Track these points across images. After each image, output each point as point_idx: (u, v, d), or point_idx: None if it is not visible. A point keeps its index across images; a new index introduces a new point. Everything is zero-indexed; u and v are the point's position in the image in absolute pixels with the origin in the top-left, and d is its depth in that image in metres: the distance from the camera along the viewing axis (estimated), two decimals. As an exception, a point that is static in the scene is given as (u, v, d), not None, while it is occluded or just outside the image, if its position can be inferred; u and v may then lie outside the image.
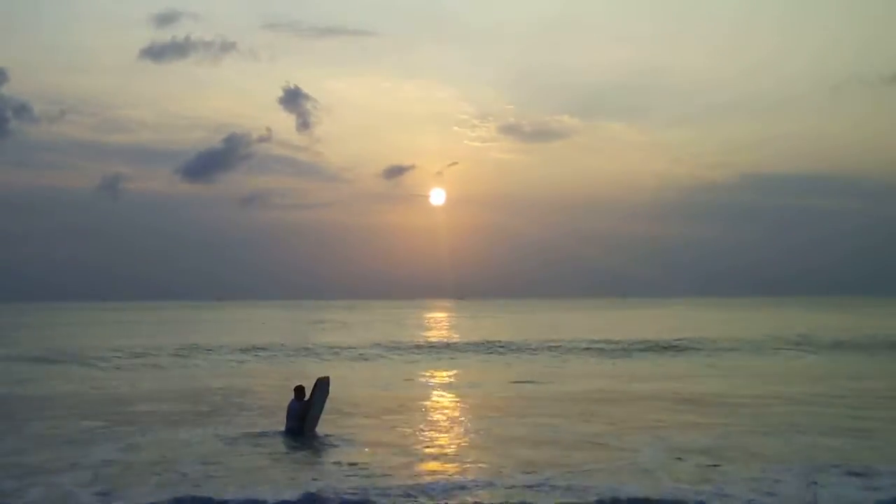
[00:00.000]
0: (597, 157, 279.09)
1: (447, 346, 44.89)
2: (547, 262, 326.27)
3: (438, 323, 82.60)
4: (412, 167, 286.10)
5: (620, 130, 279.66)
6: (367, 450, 15.80)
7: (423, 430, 18.27)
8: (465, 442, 16.84)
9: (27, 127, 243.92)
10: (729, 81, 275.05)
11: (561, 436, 17.12)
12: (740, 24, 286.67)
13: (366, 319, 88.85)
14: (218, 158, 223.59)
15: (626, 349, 42.68)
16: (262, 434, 17.56)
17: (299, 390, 17.94)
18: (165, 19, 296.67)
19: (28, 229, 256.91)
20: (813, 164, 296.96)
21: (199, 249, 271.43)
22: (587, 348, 43.26)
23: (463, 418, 20.36)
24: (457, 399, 24.28)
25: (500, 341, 46.93)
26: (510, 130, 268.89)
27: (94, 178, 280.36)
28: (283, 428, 17.64)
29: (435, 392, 26.58)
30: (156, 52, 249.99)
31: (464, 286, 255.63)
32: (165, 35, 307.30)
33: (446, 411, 21.67)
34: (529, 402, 23.07)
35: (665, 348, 43.18)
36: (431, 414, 21.04)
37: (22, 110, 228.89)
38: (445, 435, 17.65)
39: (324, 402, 18.04)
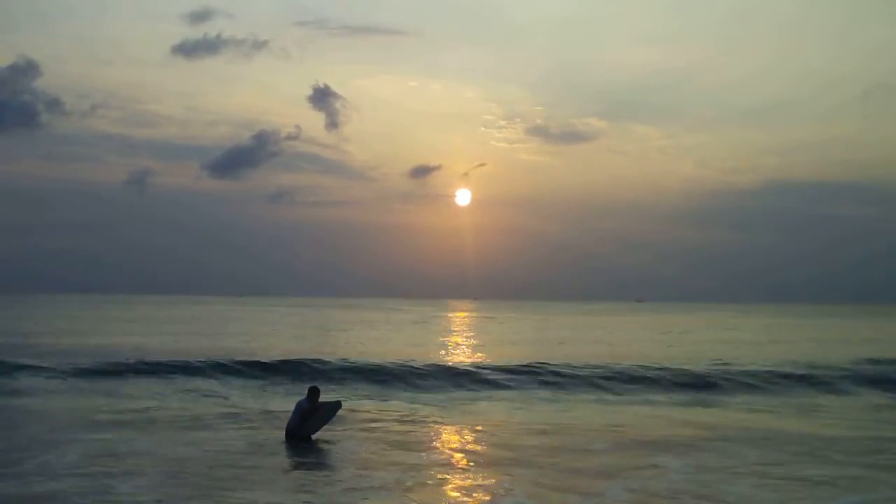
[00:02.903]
0: (623, 160, 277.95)
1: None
2: (570, 264, 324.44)
3: (474, 327, 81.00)
4: (438, 167, 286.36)
5: (647, 133, 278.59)
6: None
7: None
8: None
9: (58, 120, 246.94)
10: (756, 86, 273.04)
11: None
12: (768, 32, 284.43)
13: (402, 319, 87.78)
14: (246, 155, 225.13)
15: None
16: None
17: (313, 391, 18.41)
18: (198, 17, 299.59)
19: (55, 222, 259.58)
20: (839, 172, 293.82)
21: (225, 245, 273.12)
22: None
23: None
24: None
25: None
26: (537, 132, 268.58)
27: (122, 172, 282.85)
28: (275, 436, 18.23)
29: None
30: (188, 49, 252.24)
31: (481, 287, 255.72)
32: (198, 32, 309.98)
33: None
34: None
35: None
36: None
37: (53, 104, 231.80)
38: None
39: (328, 419, 18.52)
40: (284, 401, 23.12)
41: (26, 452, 16.24)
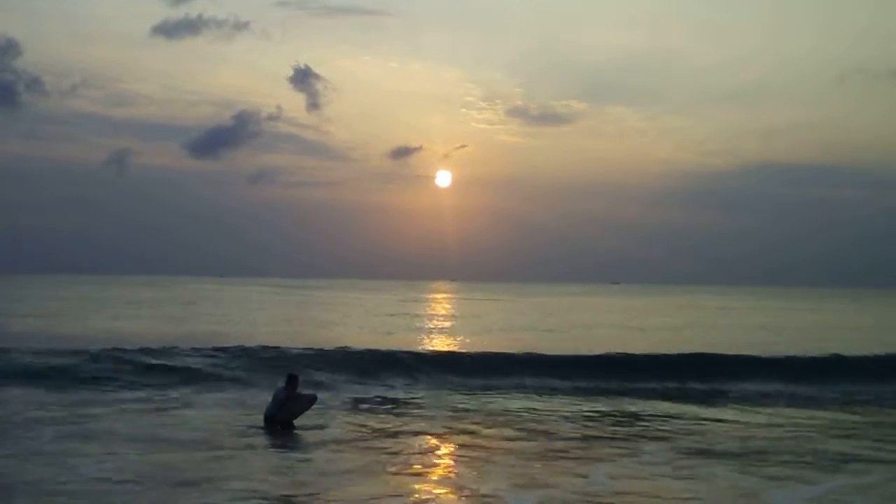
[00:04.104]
0: (602, 142, 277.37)
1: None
2: (550, 246, 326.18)
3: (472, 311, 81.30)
4: (419, 148, 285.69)
5: (627, 115, 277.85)
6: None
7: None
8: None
9: (38, 100, 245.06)
10: (736, 69, 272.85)
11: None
12: (749, 12, 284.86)
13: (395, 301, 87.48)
14: (227, 135, 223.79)
15: None
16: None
17: (291, 379, 18.02)
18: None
19: (36, 202, 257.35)
20: (818, 155, 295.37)
21: (205, 225, 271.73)
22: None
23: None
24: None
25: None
26: (517, 113, 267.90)
27: (102, 152, 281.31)
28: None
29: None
30: (169, 29, 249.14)
31: (460, 269, 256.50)
32: (179, 12, 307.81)
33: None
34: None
35: None
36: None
37: (34, 83, 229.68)
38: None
39: (303, 410, 18.17)
40: (263, 385, 22.89)
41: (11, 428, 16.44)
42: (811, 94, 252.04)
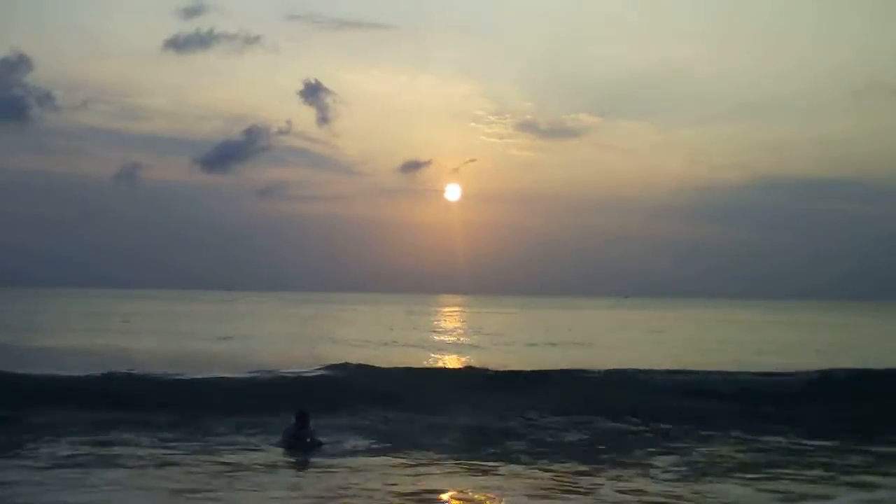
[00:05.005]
0: (613, 156, 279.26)
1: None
2: (560, 259, 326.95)
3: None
4: (429, 162, 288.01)
5: (638, 129, 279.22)
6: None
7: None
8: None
9: (49, 114, 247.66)
10: (748, 83, 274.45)
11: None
12: (760, 27, 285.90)
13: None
14: (237, 150, 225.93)
15: None
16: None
17: (302, 417, 17.77)
18: (191, 11, 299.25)
19: (45, 216, 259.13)
20: (830, 168, 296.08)
21: (215, 239, 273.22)
22: None
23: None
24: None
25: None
26: (527, 127, 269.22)
27: (112, 166, 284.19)
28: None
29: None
30: (180, 44, 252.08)
31: (470, 282, 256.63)
32: (190, 27, 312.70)
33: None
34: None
35: None
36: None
37: (45, 98, 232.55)
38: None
39: (308, 450, 17.74)
40: (283, 408, 22.72)
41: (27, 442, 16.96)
42: (824, 107, 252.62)
